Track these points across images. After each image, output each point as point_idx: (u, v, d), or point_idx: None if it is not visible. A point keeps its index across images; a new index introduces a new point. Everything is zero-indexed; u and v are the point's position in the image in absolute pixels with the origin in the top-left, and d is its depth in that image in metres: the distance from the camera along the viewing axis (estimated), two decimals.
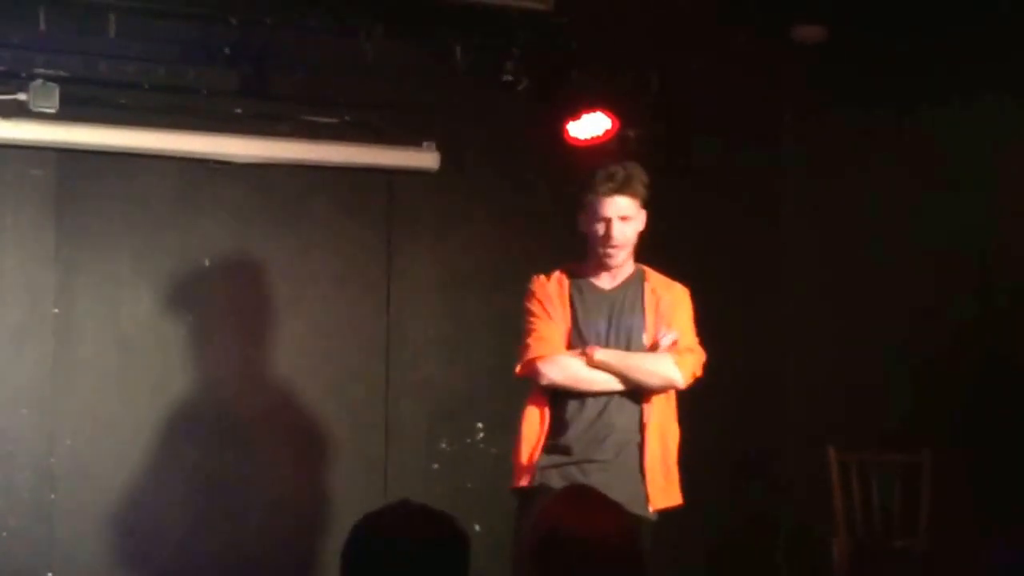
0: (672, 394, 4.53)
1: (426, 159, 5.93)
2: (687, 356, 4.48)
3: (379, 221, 5.98)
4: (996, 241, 5.84)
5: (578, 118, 5.85)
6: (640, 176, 4.43)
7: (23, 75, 5.27)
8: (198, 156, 5.63)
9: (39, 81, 5.27)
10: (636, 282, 4.54)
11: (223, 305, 5.73)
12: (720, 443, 6.10)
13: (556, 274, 4.55)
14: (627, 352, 4.44)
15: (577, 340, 4.46)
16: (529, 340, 4.47)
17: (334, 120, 5.83)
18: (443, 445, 6.03)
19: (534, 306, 4.51)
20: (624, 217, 4.40)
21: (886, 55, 5.99)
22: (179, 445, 5.60)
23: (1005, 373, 5.76)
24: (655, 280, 4.55)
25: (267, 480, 5.73)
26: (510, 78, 5.74)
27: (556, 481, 4.34)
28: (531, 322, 4.49)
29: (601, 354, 4.40)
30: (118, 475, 5.51)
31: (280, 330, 5.79)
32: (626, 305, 4.49)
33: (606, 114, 5.84)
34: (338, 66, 5.67)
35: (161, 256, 5.64)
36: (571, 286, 4.51)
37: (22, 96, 5.28)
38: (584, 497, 2.73)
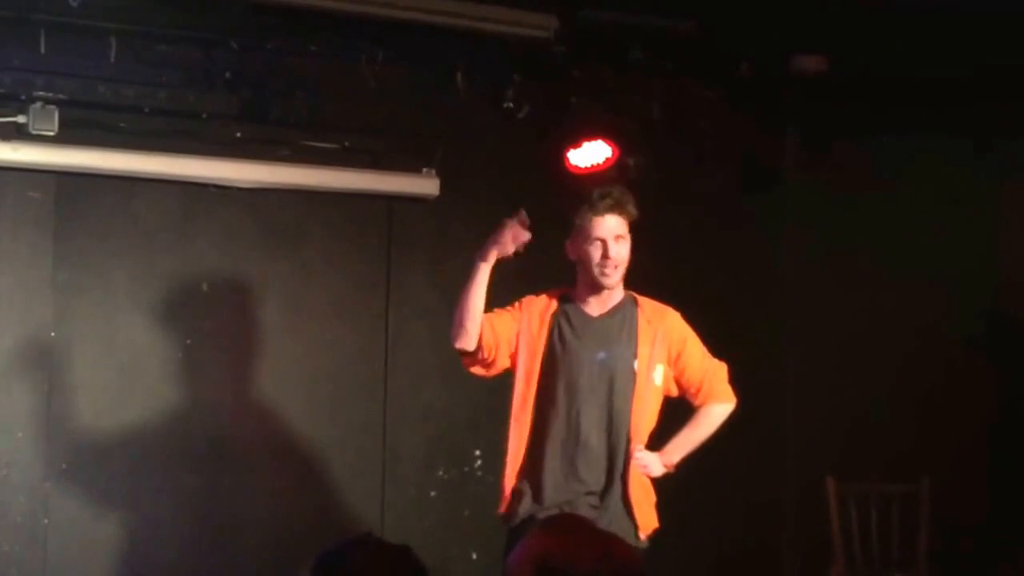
0: (655, 416, 4.52)
1: (426, 185, 5.92)
2: (721, 384, 4.62)
3: (379, 247, 5.97)
4: (998, 271, 5.85)
5: (578, 146, 5.86)
6: (631, 196, 4.44)
7: (23, 97, 5.25)
8: (198, 180, 5.61)
9: (39, 104, 5.25)
10: (627, 309, 4.50)
11: (221, 330, 5.71)
12: (719, 473, 6.06)
13: (546, 295, 4.53)
14: (691, 433, 4.57)
15: (560, 366, 4.42)
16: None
17: (334, 145, 5.82)
18: (440, 473, 6.01)
19: (511, 306, 4.51)
20: (618, 236, 4.38)
21: (886, 84, 6.00)
22: (175, 470, 5.57)
23: (1004, 403, 5.76)
24: (648, 308, 4.51)
25: (263, 506, 5.70)
26: (511, 105, 5.76)
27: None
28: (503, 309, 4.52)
29: (675, 457, 4.52)
30: (113, 500, 5.48)
31: (278, 356, 5.77)
32: (615, 334, 4.46)
33: (606, 142, 5.84)
34: (339, 91, 5.67)
35: (159, 280, 5.61)
36: (558, 310, 4.48)
37: (21, 119, 5.26)
38: (574, 528, 2.67)
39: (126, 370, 5.55)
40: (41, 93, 5.26)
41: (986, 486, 5.75)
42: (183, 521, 5.58)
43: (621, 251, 4.39)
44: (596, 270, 4.39)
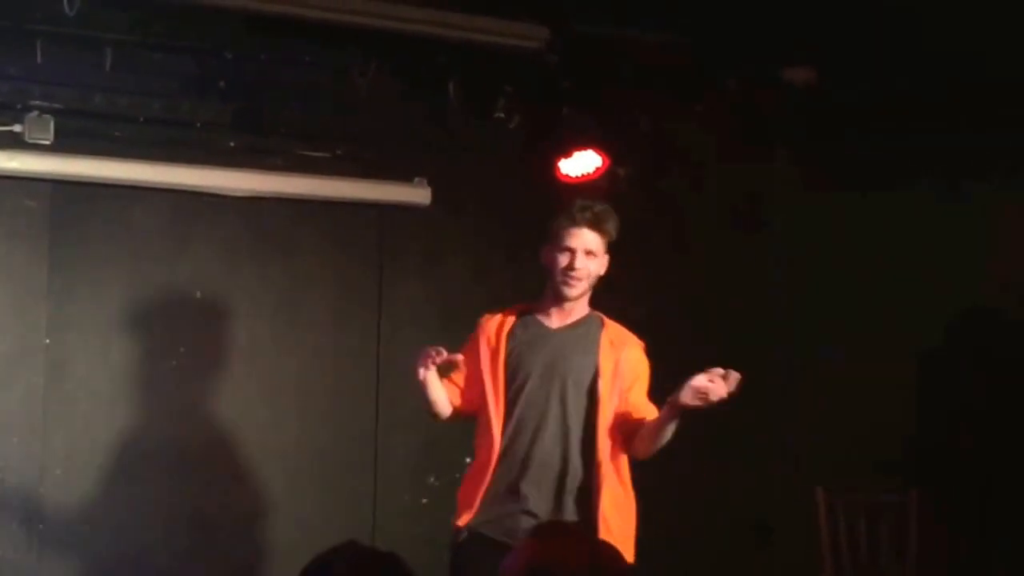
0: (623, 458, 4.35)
1: (418, 195, 5.96)
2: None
3: (370, 256, 6.00)
4: (989, 282, 5.86)
5: (569, 156, 5.88)
6: (614, 217, 4.36)
7: (19, 107, 5.30)
8: (191, 189, 5.65)
9: (35, 113, 5.30)
10: (591, 325, 4.40)
11: (214, 338, 5.73)
12: (707, 484, 6.09)
13: (502, 313, 4.46)
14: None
15: (513, 381, 4.33)
16: None
17: (327, 154, 5.86)
18: (431, 480, 6.03)
19: (470, 338, 4.45)
20: (589, 252, 4.31)
21: (876, 96, 6.03)
22: (168, 478, 5.58)
23: (992, 413, 5.77)
24: (613, 331, 4.40)
25: (255, 513, 5.72)
26: (502, 115, 5.80)
27: (493, 532, 4.26)
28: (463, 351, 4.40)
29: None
30: (107, 507, 5.50)
31: (271, 363, 5.80)
32: (571, 345, 4.35)
33: (597, 152, 5.87)
34: (331, 101, 5.71)
35: (153, 288, 5.64)
36: (516, 324, 4.41)
37: (17, 127, 5.31)
38: (562, 533, 2.68)
39: (120, 377, 5.58)
40: (37, 102, 5.31)
41: (977, 496, 5.75)
42: (176, 528, 5.59)
43: (588, 265, 4.32)
44: (559, 277, 4.33)
